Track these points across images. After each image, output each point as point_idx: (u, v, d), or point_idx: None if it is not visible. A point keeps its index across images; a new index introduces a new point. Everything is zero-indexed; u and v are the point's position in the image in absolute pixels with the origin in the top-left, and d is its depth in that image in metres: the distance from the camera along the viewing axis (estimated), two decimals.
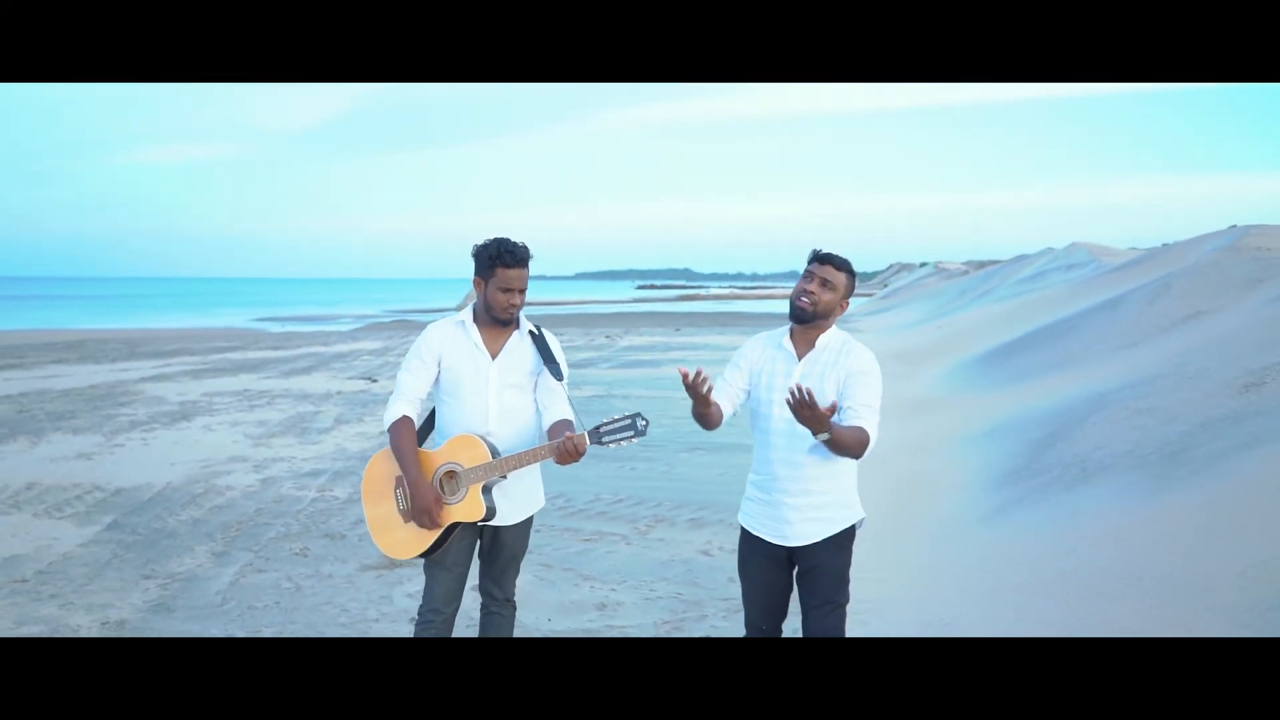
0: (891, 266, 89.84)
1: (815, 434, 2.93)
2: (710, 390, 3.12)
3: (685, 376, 3.06)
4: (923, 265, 76.56)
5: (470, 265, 3.53)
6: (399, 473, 3.54)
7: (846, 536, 3.26)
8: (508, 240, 3.47)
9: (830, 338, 3.24)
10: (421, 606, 3.59)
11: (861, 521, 3.33)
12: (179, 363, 19.18)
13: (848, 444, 3.03)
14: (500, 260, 3.44)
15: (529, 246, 3.50)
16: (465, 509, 3.44)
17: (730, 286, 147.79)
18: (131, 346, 23.91)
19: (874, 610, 5.13)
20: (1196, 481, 5.36)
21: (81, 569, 5.93)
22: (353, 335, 29.59)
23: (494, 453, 3.44)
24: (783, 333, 3.33)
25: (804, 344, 3.25)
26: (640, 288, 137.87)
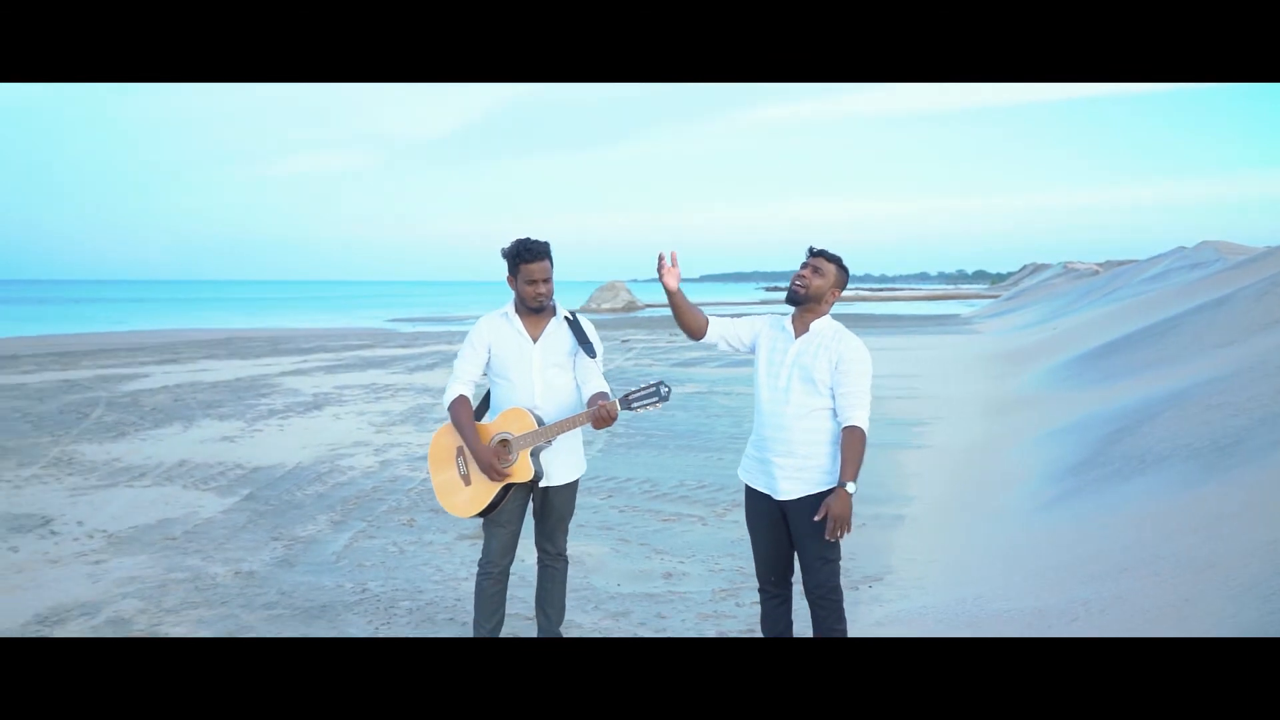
0: (1026, 268, 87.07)
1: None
2: (667, 273, 3.67)
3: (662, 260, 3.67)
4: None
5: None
6: (459, 444, 4.10)
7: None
8: (527, 239, 4.00)
9: (824, 324, 3.72)
10: (481, 559, 4.18)
11: None
12: (315, 359, 20.60)
13: (859, 461, 3.53)
14: (521, 257, 3.97)
15: (549, 242, 4.02)
16: (517, 471, 3.98)
17: (856, 288, 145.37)
18: (274, 344, 25.69)
19: (917, 586, 5.52)
20: (1239, 471, 5.55)
21: (221, 531, 6.83)
22: None
23: (540, 422, 3.97)
24: (785, 317, 3.83)
25: (800, 327, 3.74)
26: (767, 289, 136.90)
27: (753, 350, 3.86)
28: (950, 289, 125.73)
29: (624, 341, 24.78)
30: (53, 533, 6.77)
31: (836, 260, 3.71)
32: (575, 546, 6.30)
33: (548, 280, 4.03)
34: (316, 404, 13.31)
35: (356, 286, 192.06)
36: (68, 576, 5.79)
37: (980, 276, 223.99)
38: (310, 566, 6.01)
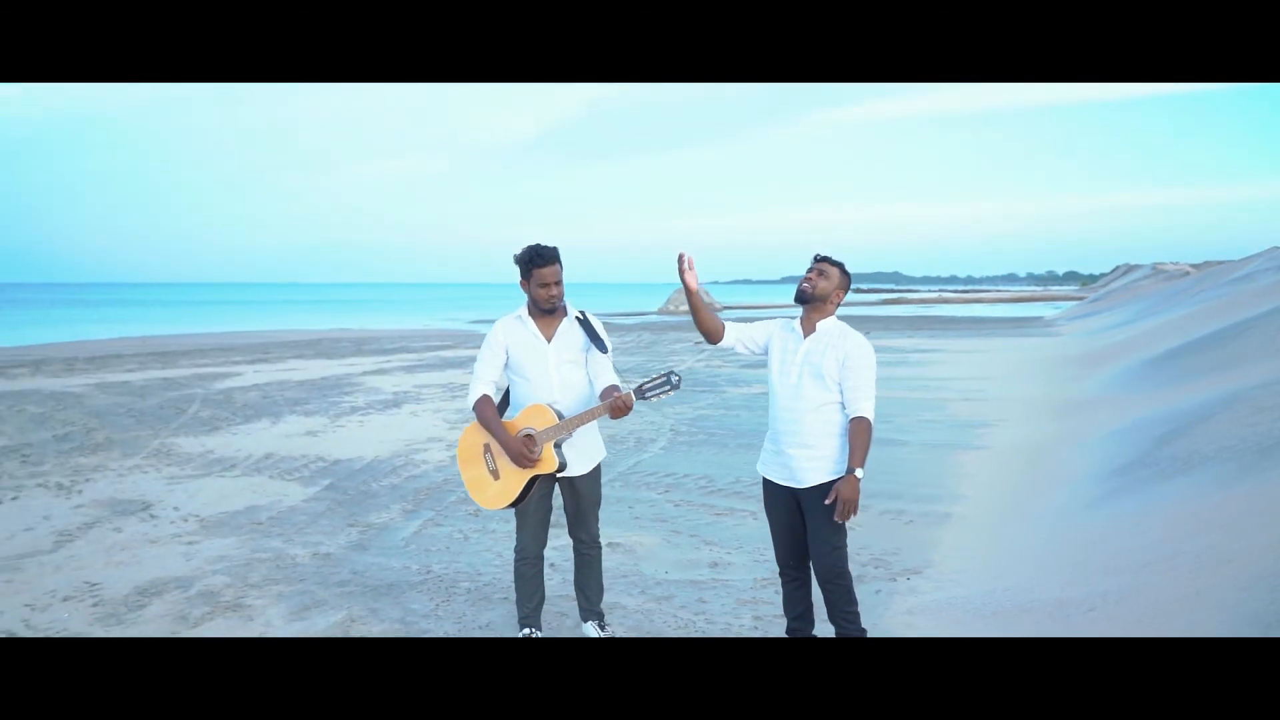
0: (1118, 269, 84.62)
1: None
2: (687, 272, 3.98)
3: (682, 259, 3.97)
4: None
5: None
6: (485, 441, 4.37)
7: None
8: (538, 245, 4.26)
9: (830, 324, 4.02)
10: (516, 547, 4.54)
11: None
12: (397, 359, 21.37)
13: (866, 449, 3.83)
14: (534, 262, 4.23)
15: (558, 247, 4.29)
16: (542, 463, 4.27)
17: (939, 289, 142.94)
18: (359, 345, 26.66)
19: (952, 579, 5.73)
20: (1275, 473, 5.63)
21: (303, 517, 7.37)
22: None
23: (560, 416, 4.26)
24: (795, 320, 4.13)
25: (808, 327, 4.05)
26: (851, 291, 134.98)
27: (766, 352, 4.16)
28: (1038, 290, 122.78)
29: (697, 343, 25.06)
30: (152, 516, 7.39)
31: (839, 265, 4.04)
32: (629, 536, 6.68)
33: (559, 283, 4.29)
34: (395, 402, 13.93)
35: (445, 289, 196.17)
36: (165, 554, 6.37)
37: (1071, 278, 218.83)
38: (381, 550, 6.48)
